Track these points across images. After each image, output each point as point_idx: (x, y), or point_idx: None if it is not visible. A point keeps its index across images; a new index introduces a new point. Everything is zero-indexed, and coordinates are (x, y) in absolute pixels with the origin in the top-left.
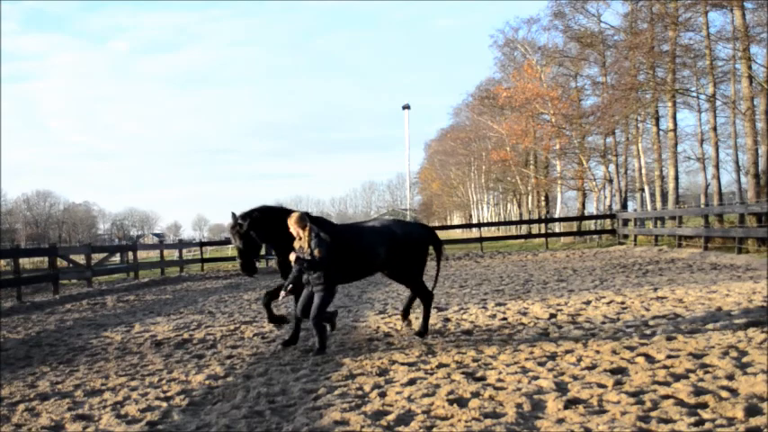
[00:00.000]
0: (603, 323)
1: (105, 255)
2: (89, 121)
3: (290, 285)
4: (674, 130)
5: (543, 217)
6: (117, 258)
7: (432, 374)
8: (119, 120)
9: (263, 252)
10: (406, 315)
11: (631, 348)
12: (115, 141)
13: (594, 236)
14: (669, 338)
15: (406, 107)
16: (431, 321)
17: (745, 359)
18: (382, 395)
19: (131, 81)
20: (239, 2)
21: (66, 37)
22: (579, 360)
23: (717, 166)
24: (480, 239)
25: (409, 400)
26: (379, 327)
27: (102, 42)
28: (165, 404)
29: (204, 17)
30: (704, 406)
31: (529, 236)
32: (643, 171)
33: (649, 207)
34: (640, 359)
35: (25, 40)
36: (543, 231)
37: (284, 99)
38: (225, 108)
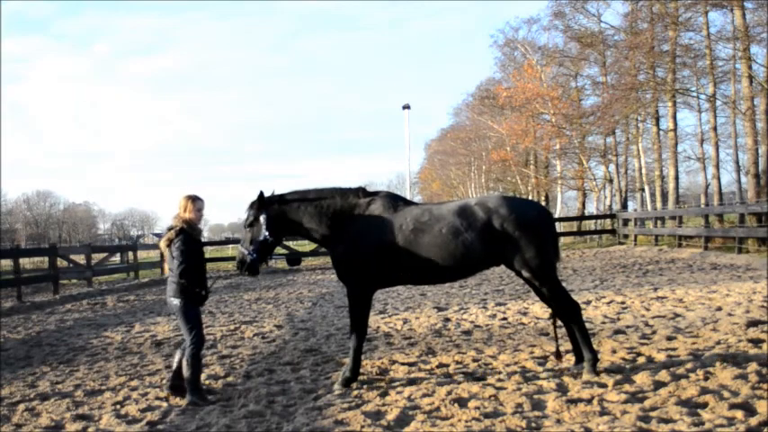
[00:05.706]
0: (603, 323)
1: (105, 255)
2: (86, 123)
3: None
4: (675, 129)
5: None
6: (117, 258)
7: (432, 374)
8: (118, 120)
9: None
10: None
11: (631, 348)
12: (113, 142)
13: (594, 236)
14: (669, 338)
15: (406, 107)
16: (431, 321)
17: (744, 359)
18: (382, 395)
19: (125, 83)
20: (240, 2)
21: (50, 40)
22: None
23: (717, 166)
24: None
25: (409, 400)
26: (379, 327)
27: (88, 46)
28: (164, 404)
29: (201, 17)
30: (704, 406)
31: None
32: (643, 171)
33: (649, 207)
34: (640, 359)
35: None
36: None
37: (281, 100)
38: (223, 109)
